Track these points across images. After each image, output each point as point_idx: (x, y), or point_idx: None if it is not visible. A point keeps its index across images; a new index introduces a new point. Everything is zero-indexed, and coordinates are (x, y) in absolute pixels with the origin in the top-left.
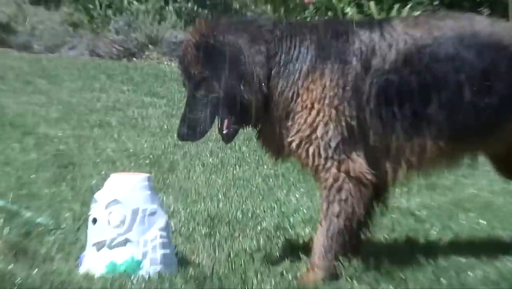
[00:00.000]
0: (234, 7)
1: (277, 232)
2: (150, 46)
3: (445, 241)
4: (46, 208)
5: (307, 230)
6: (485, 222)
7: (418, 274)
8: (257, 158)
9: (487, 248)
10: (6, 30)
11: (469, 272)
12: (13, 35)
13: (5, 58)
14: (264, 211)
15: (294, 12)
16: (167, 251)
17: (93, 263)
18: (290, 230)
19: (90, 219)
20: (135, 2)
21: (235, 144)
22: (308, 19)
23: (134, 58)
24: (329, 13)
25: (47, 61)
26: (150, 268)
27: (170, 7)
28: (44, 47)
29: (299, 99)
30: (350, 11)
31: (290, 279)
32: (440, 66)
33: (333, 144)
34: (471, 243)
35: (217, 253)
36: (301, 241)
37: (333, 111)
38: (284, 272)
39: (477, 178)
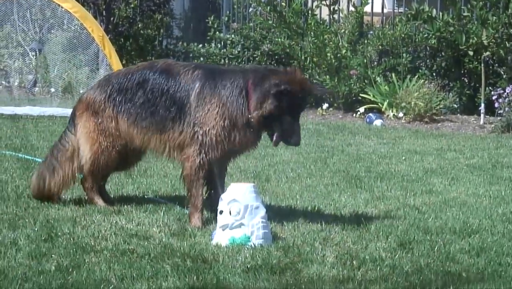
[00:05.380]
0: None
1: None
2: None
3: (436, 225)
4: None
5: None
6: (461, 214)
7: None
8: (320, 172)
9: (462, 230)
10: None
11: (452, 243)
12: None
13: None
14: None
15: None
16: (266, 230)
17: (220, 238)
18: None
19: (218, 211)
20: None
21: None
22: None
23: None
24: (365, 81)
25: None
26: (255, 241)
27: None
28: None
29: None
30: (379, 79)
31: None
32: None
33: None
34: (454, 227)
35: (295, 231)
36: None
37: None
38: None
39: (457, 186)
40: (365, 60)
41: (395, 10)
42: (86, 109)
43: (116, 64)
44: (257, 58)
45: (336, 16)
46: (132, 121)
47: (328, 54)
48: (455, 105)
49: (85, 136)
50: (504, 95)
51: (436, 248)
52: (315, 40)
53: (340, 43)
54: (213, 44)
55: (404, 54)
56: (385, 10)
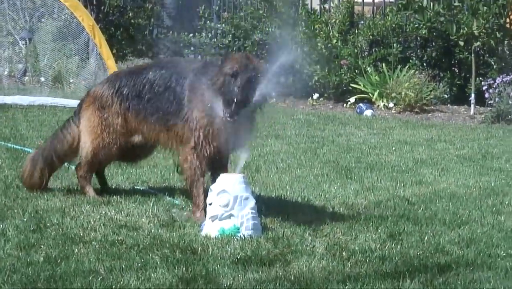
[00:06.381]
0: None
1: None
2: None
3: (426, 216)
4: (178, 194)
5: None
6: (451, 205)
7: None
8: (310, 163)
9: (452, 221)
10: None
11: (442, 234)
12: None
13: None
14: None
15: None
16: (256, 221)
17: (210, 229)
18: None
19: (208, 202)
20: None
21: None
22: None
23: None
24: (356, 71)
25: None
26: (245, 232)
27: None
28: None
29: None
30: (369, 69)
31: None
32: None
33: None
34: (443, 218)
35: (285, 222)
36: None
37: None
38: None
39: (447, 177)
40: (355, 50)
41: (385, 0)
42: (92, 103)
43: (106, 54)
44: (247, 48)
45: (327, 6)
46: (142, 117)
47: (319, 44)
48: (446, 96)
49: (88, 129)
50: (494, 86)
51: (425, 239)
52: (306, 30)
53: (331, 33)
54: (203, 34)
55: (394, 44)
56: (376, 0)
